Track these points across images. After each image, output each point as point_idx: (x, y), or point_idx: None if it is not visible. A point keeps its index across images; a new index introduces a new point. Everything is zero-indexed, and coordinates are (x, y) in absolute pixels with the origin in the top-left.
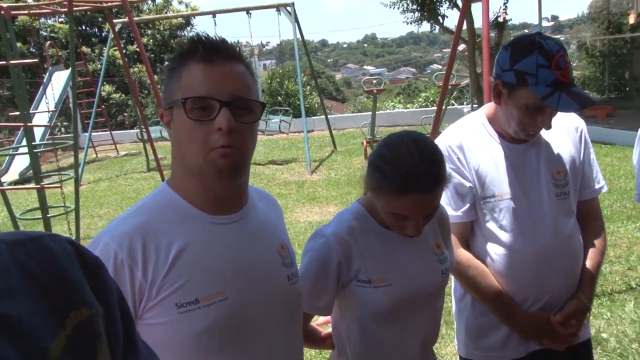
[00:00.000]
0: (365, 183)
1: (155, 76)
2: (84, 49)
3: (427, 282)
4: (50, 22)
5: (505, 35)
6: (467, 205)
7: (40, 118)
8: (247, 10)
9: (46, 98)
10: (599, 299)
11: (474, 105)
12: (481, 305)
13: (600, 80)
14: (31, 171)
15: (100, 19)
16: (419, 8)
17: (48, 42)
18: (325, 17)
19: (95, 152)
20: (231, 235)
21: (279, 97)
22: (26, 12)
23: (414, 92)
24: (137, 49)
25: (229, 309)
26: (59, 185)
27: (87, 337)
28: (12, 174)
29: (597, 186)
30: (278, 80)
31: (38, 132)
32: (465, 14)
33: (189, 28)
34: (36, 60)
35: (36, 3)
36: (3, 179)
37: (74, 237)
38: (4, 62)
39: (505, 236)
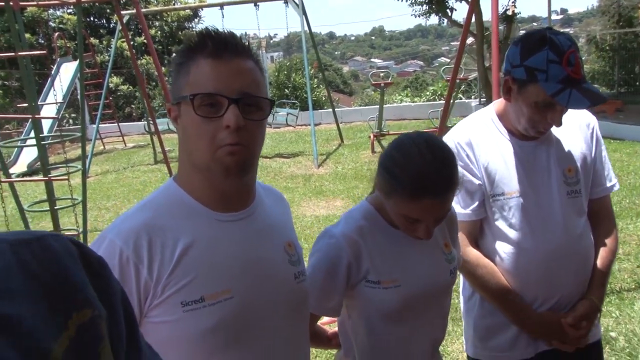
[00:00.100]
0: (375, 184)
1: (163, 68)
2: (92, 40)
3: (436, 282)
4: (58, 13)
5: (514, 29)
6: (476, 203)
7: (49, 110)
8: (255, 2)
9: (54, 90)
10: (607, 297)
11: (482, 99)
12: (490, 305)
13: (609, 75)
14: (39, 163)
15: (108, 11)
16: (427, 1)
17: (56, 34)
18: (332, 9)
19: (103, 144)
20: (238, 233)
21: (286, 90)
22: (35, 3)
23: (421, 85)
24: (145, 41)
25: (235, 308)
26: (66, 177)
27: (90, 339)
28: (21, 166)
29: (608, 184)
30: (285, 72)
31: (46, 124)
32: (474, 6)
33: (196, 20)
34: (44, 51)
35: None
36: (12, 171)
37: (81, 229)
38: (13, 54)
39: (514, 234)
